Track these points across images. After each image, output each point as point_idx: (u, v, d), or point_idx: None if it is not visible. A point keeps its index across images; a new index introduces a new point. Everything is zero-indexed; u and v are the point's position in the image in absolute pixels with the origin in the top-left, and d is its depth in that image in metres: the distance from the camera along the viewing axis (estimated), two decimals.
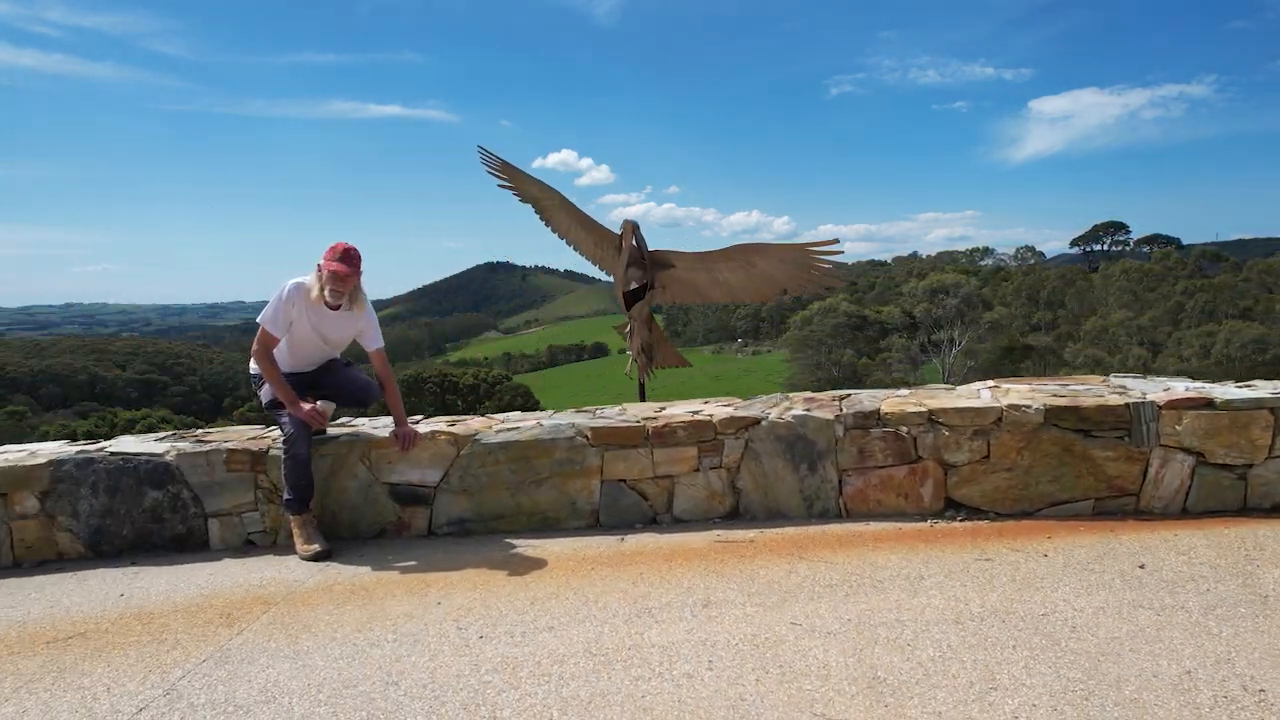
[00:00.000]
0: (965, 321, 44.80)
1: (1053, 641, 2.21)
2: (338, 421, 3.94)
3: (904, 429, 3.41)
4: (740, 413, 3.53)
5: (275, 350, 3.45)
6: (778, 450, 3.46)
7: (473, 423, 3.72)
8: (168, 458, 3.51)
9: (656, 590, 2.74)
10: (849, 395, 3.75)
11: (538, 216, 4.77)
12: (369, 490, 3.53)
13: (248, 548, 3.51)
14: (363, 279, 3.46)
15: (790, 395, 3.83)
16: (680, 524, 3.47)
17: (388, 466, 3.51)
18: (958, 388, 3.86)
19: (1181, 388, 3.44)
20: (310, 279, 3.41)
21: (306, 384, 3.57)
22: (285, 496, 3.36)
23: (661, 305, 4.83)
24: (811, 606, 2.54)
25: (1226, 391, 3.36)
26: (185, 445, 3.58)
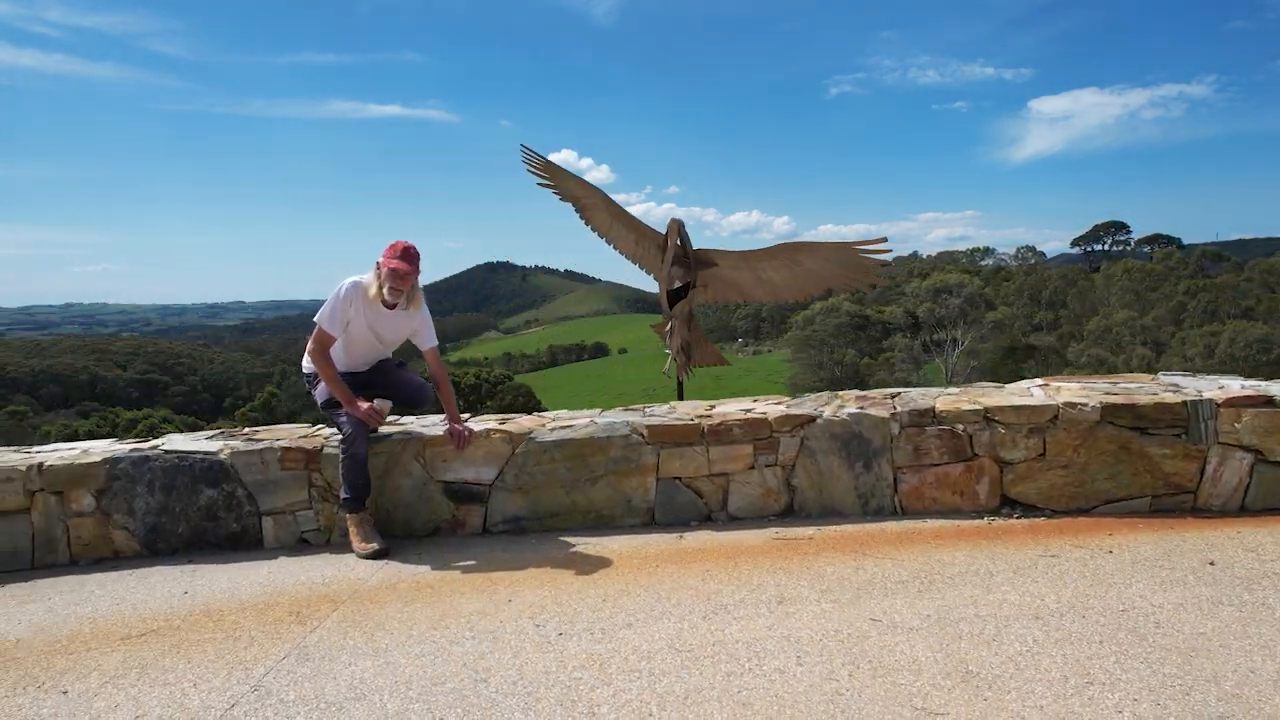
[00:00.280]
0: (968, 321, 44.84)
1: (1139, 637, 2.22)
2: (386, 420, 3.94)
3: (960, 427, 3.42)
4: (795, 410, 3.54)
5: (330, 349, 3.46)
6: (833, 448, 3.47)
7: (523, 421, 3.73)
8: (222, 456, 3.51)
9: (727, 587, 2.74)
10: (899, 394, 3.76)
11: (577, 215, 4.78)
12: (423, 488, 3.53)
13: (302, 546, 3.52)
14: (420, 278, 3.47)
15: (839, 394, 3.84)
16: (735, 521, 3.48)
17: (442, 465, 3.52)
18: (1006, 386, 3.87)
19: (1237, 385, 3.46)
20: (368, 277, 3.42)
21: (360, 384, 3.57)
22: (342, 495, 3.37)
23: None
24: (887, 602, 2.55)
25: None
26: (237, 443, 3.58)
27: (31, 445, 4.04)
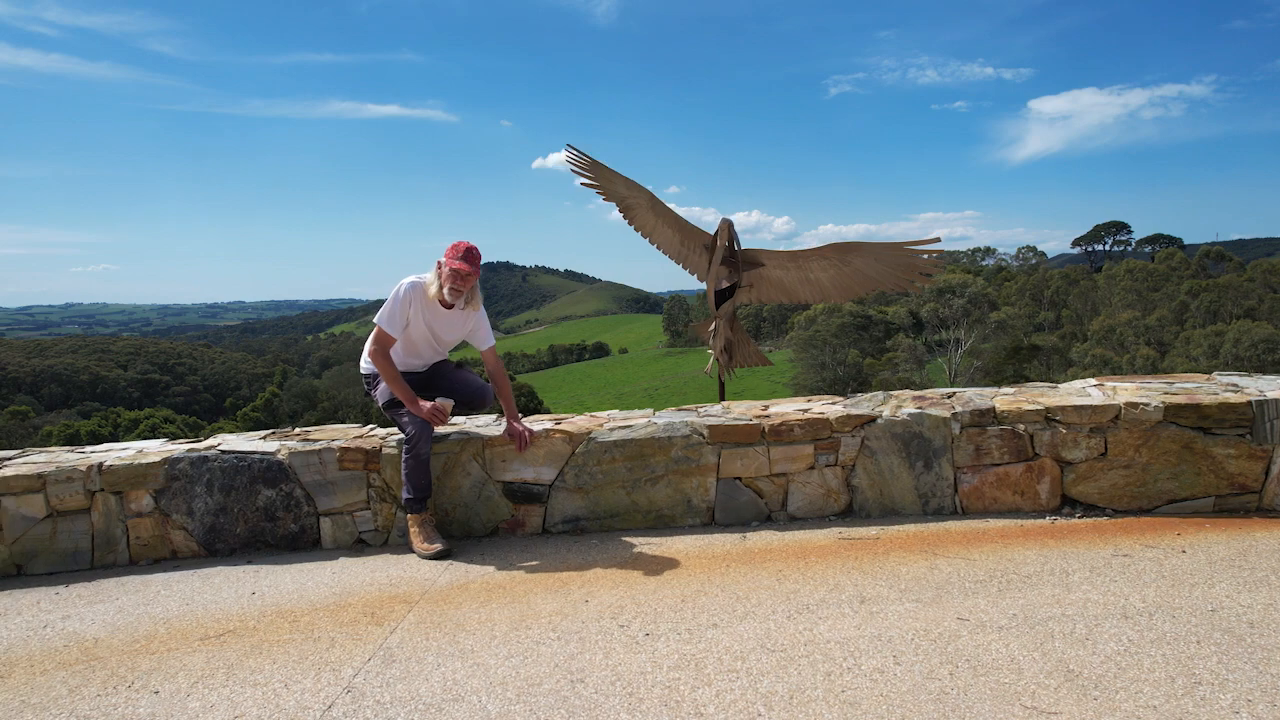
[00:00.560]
0: (971, 321, 44.89)
1: (1235, 638, 2.22)
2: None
3: (1021, 426, 3.42)
4: (855, 410, 3.54)
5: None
6: (893, 448, 3.47)
7: (579, 421, 3.73)
8: (280, 456, 3.51)
9: (805, 587, 2.74)
10: (955, 393, 3.76)
11: (621, 215, 4.77)
12: (483, 489, 3.53)
13: (360, 547, 3.51)
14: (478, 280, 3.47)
15: (895, 393, 3.84)
16: (795, 522, 3.48)
17: (502, 465, 3.51)
18: (1061, 385, 3.87)
19: None
20: (428, 277, 3.42)
21: (419, 383, 3.57)
22: (405, 495, 3.36)
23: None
24: (970, 602, 2.55)
25: None
26: (294, 444, 3.58)
27: (75, 446, 4.03)
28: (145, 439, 4.29)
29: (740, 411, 3.71)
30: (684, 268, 4.76)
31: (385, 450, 3.49)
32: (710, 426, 3.47)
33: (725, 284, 4.44)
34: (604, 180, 4.63)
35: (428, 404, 3.40)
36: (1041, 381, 4.20)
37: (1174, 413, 3.32)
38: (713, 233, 4.41)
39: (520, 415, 3.72)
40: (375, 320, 3.43)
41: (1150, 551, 2.90)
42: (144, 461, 3.46)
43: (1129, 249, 73.32)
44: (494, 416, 3.99)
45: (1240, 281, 43.66)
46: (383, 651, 2.45)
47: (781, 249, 4.41)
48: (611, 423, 3.61)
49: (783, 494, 3.50)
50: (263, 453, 3.52)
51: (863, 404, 3.69)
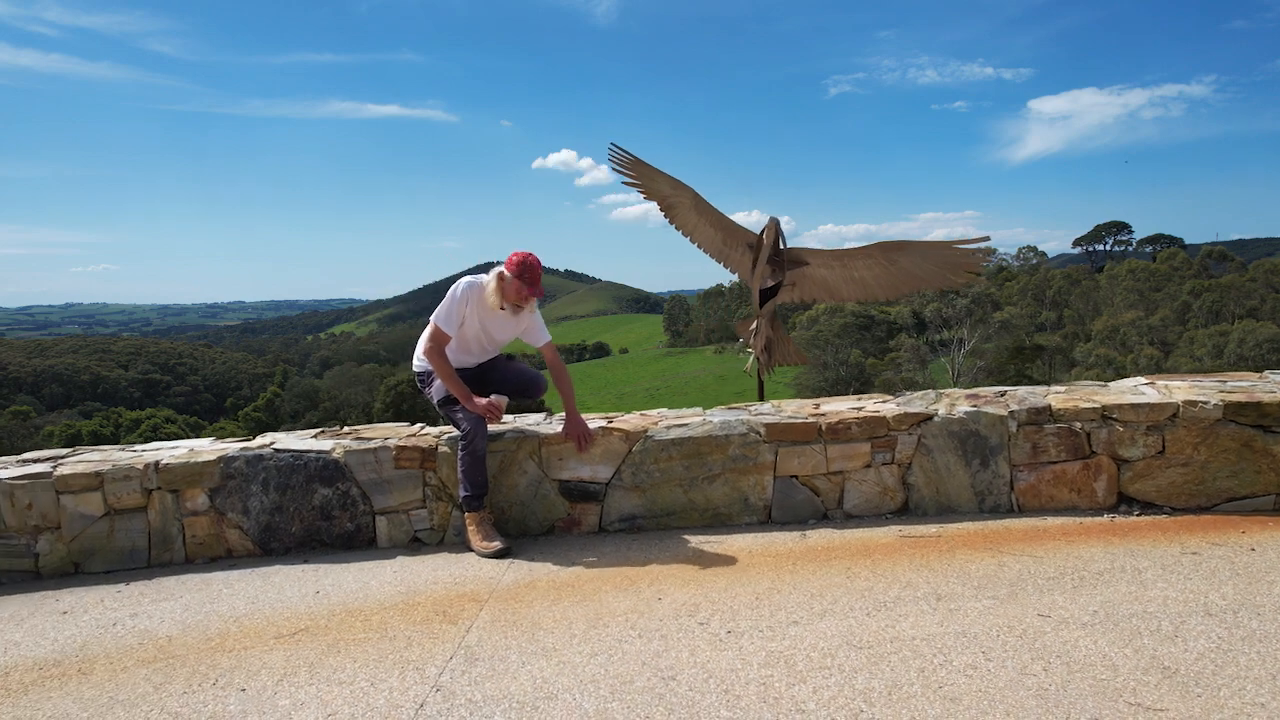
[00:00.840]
0: (974, 321, 44.93)
1: None
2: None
3: (1078, 424, 3.42)
4: (911, 409, 3.54)
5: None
6: (950, 446, 3.47)
7: (630, 419, 3.73)
8: (335, 455, 3.50)
9: (878, 584, 2.74)
10: (1006, 391, 3.76)
11: (662, 213, 4.77)
12: (539, 487, 3.52)
13: (415, 546, 3.51)
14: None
15: (947, 391, 3.84)
16: (852, 520, 3.48)
17: (558, 463, 3.51)
18: (1111, 384, 3.88)
19: None
20: (488, 282, 3.42)
21: (471, 378, 3.57)
22: (463, 493, 3.36)
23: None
24: (1047, 599, 2.55)
25: None
26: (349, 442, 3.58)
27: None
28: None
29: (793, 410, 3.71)
30: (725, 266, 4.76)
31: (441, 449, 3.49)
32: (768, 425, 3.48)
33: (770, 283, 4.44)
34: (646, 178, 4.63)
35: (483, 400, 3.40)
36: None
37: (1234, 411, 3.32)
38: (758, 232, 4.41)
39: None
40: (431, 319, 3.44)
41: (1218, 549, 2.91)
42: (200, 460, 3.46)
43: (1130, 249, 73.39)
44: (543, 415, 3.98)
45: (1242, 281, 43.71)
46: (463, 650, 2.45)
47: (824, 248, 4.41)
48: (665, 421, 3.61)
49: (839, 492, 3.51)
50: (318, 451, 3.52)
51: (916, 402, 3.69)
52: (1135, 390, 3.63)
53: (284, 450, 3.53)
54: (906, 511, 3.52)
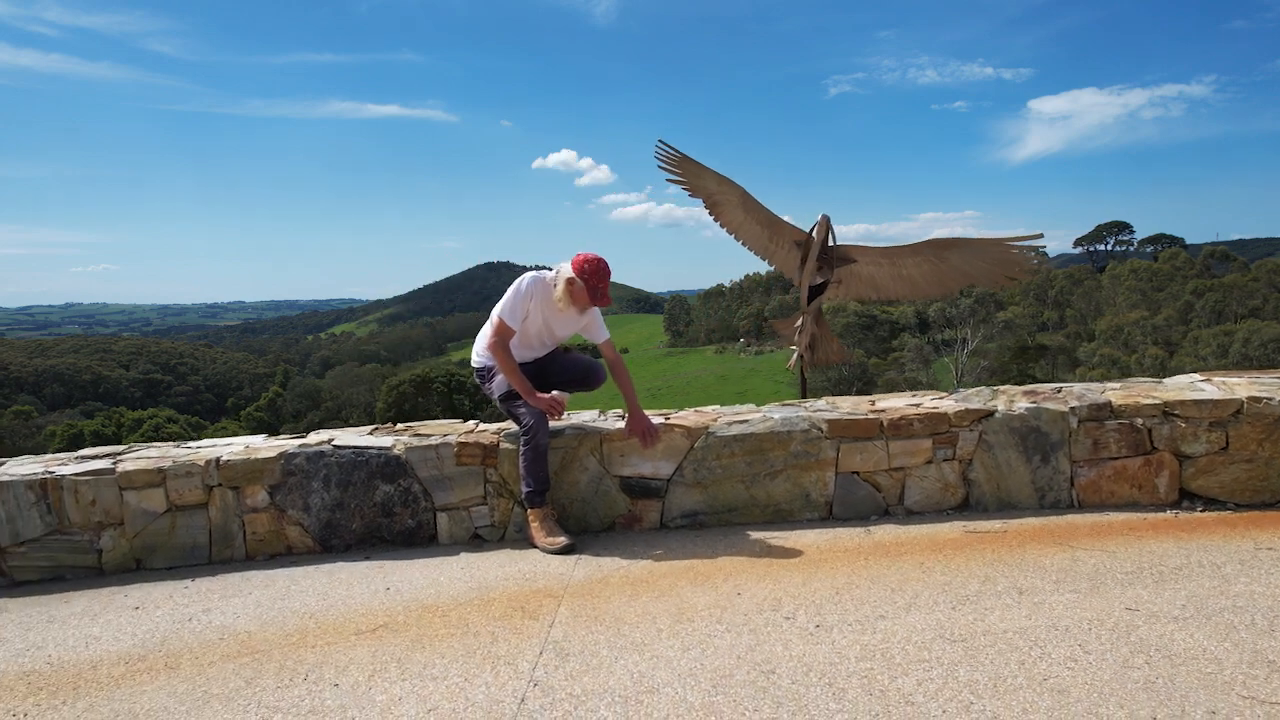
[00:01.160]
0: (977, 321, 44.96)
1: None
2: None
3: (1139, 421, 3.43)
4: (971, 405, 3.54)
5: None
6: (1010, 442, 3.48)
7: (689, 416, 3.73)
8: (397, 451, 3.50)
9: (955, 579, 2.75)
10: (1063, 388, 3.77)
11: (706, 210, 4.78)
12: (600, 483, 3.53)
13: (476, 542, 3.51)
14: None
15: (1002, 388, 3.85)
16: (913, 516, 3.49)
17: (619, 459, 3.51)
18: (1166, 380, 3.88)
19: None
20: (554, 280, 3.42)
21: (531, 374, 3.57)
22: (525, 489, 3.36)
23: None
24: (1131, 593, 2.55)
25: None
26: (409, 439, 3.58)
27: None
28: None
29: (849, 406, 3.71)
30: (770, 263, 4.77)
31: (503, 445, 3.49)
32: (829, 421, 3.48)
33: (818, 280, 4.45)
34: (692, 175, 4.63)
35: (545, 396, 3.40)
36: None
37: None
38: (806, 229, 4.42)
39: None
40: (495, 313, 3.44)
41: None
42: (260, 456, 3.46)
43: (1131, 249, 73.51)
44: (595, 411, 3.98)
45: (1245, 281, 43.78)
46: (551, 645, 2.45)
47: (872, 245, 4.42)
48: (724, 418, 3.61)
49: (900, 488, 3.51)
50: (380, 448, 3.52)
51: (973, 399, 3.70)
52: (1193, 387, 3.64)
53: (345, 447, 3.53)
54: (967, 507, 3.52)
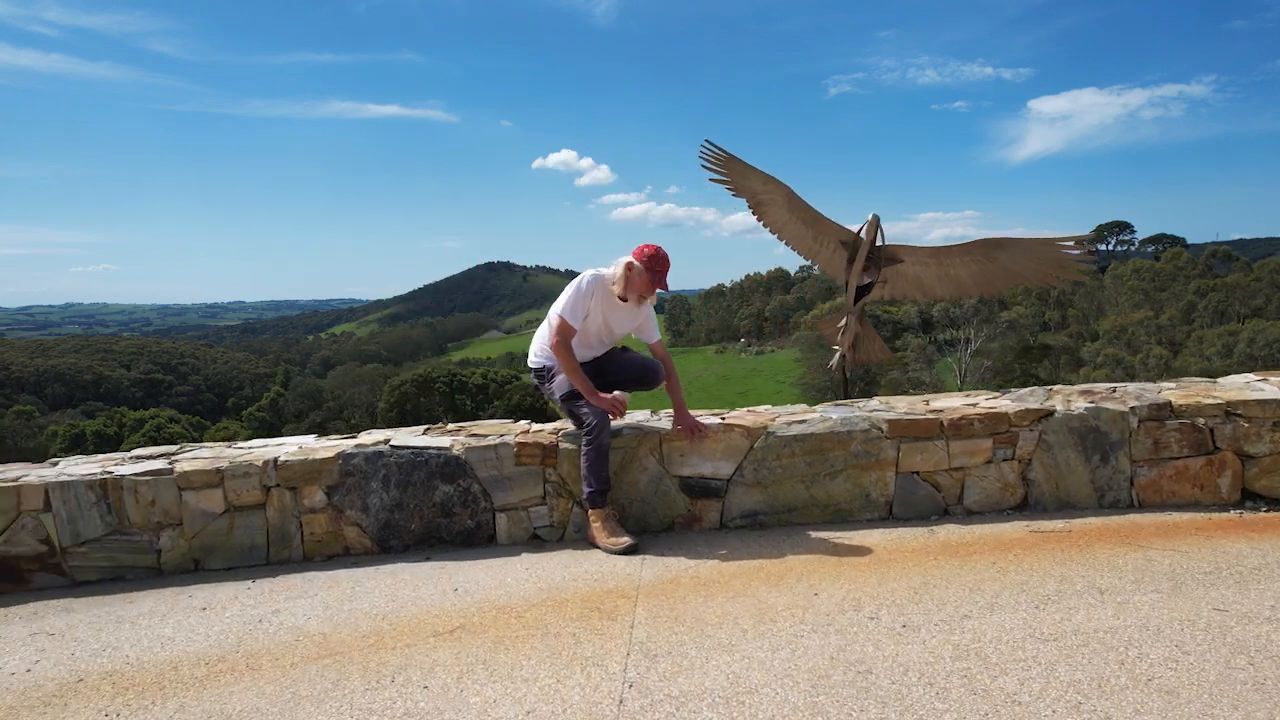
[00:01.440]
0: (980, 321, 44.99)
1: None
2: None
3: (1200, 420, 3.43)
4: (1030, 405, 3.54)
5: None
6: (1070, 442, 3.47)
7: (746, 416, 3.72)
8: (456, 451, 3.49)
9: (1031, 578, 2.74)
10: (1118, 388, 3.77)
11: (750, 211, 4.77)
12: (659, 483, 3.52)
13: (536, 543, 3.50)
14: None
15: (1057, 388, 3.84)
16: (973, 516, 3.48)
17: (679, 459, 3.50)
18: (1221, 380, 3.88)
19: None
20: (612, 274, 3.41)
21: (590, 372, 3.56)
22: (587, 490, 3.35)
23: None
24: (1215, 593, 2.55)
25: None
26: (467, 439, 3.57)
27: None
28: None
29: (906, 406, 3.71)
30: (814, 262, 4.76)
31: (562, 445, 3.47)
32: (889, 421, 3.47)
33: (865, 280, 4.44)
34: (737, 175, 4.62)
35: (607, 396, 3.40)
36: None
37: None
38: (854, 229, 4.41)
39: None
40: (556, 312, 3.43)
41: None
42: (318, 457, 3.44)
43: (1132, 249, 73.54)
44: (648, 412, 3.97)
45: (1247, 281, 43.82)
46: (637, 646, 2.44)
47: (920, 245, 4.41)
48: (782, 418, 3.61)
49: (959, 488, 3.50)
50: (439, 448, 3.50)
51: (1029, 399, 3.69)
52: (1251, 387, 3.64)
53: (403, 447, 3.51)
54: (1026, 507, 3.52)
